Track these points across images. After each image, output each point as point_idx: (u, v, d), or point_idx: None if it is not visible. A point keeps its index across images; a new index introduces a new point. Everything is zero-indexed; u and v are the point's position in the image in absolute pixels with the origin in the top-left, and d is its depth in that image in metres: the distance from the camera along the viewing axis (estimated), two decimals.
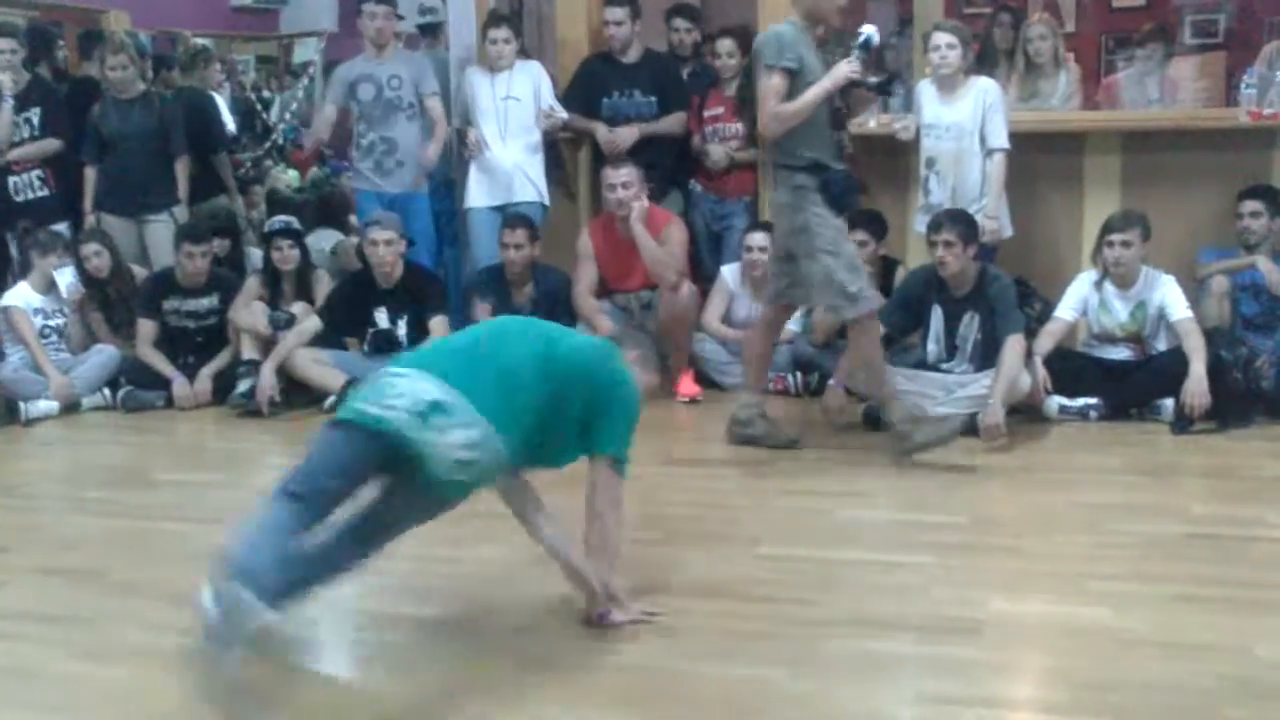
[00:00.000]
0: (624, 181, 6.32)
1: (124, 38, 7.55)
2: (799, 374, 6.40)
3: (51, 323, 6.77)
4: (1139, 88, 7.06)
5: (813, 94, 4.95)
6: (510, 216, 6.59)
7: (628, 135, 6.81)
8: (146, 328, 6.69)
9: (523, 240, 6.44)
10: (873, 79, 5.13)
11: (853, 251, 5.14)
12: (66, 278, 6.74)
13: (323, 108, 7.27)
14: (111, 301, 6.86)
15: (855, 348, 5.31)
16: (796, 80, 4.97)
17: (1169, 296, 5.67)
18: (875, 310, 5.17)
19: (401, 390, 3.00)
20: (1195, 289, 5.95)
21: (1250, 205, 6.01)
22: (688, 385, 6.38)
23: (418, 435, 2.93)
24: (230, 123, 8.70)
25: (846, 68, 4.98)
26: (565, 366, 3.31)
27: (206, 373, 6.59)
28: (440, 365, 3.11)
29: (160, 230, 7.10)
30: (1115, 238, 5.71)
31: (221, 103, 8.59)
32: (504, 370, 3.16)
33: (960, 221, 5.64)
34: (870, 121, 6.63)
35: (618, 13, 6.86)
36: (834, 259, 4.99)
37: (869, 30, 5.05)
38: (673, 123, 6.91)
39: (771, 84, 4.99)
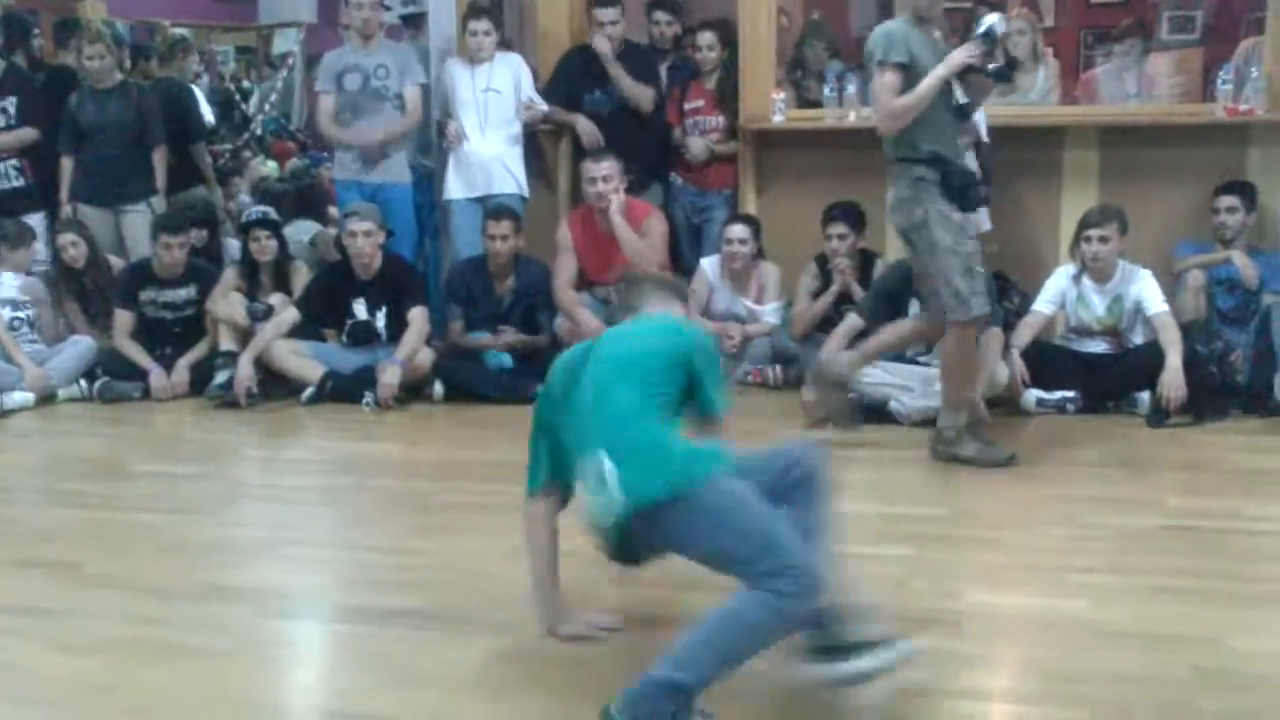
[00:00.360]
0: (605, 174, 6.31)
1: (101, 27, 7.53)
2: (778, 367, 6.40)
3: (21, 314, 6.72)
4: (1117, 83, 7.08)
5: (926, 84, 4.78)
6: (496, 208, 6.57)
7: (595, 135, 6.82)
8: (123, 318, 6.66)
9: (508, 232, 6.42)
10: (991, 65, 4.89)
11: (971, 251, 4.90)
12: (12, 280, 6.70)
13: (317, 99, 7.21)
14: (88, 292, 6.83)
15: (945, 348, 5.10)
16: (909, 75, 4.81)
17: (1146, 290, 5.70)
18: (979, 318, 4.96)
19: None
20: (1172, 283, 5.98)
21: (1226, 200, 6.05)
22: None
23: None
24: (208, 114, 8.66)
25: (962, 54, 4.81)
26: None
27: (184, 364, 6.56)
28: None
29: (137, 221, 7.06)
30: (1093, 233, 5.74)
31: (199, 94, 8.55)
32: None
33: None
34: (851, 115, 6.66)
35: (611, 13, 6.85)
36: (954, 258, 4.84)
37: (992, 19, 4.86)
38: (638, 91, 6.88)
39: (884, 81, 4.82)
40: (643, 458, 2.87)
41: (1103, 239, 5.73)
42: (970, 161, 5.08)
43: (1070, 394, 5.74)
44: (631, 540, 2.96)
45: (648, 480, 2.83)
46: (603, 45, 6.76)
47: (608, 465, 2.86)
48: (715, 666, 2.66)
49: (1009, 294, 6.15)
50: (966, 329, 4.91)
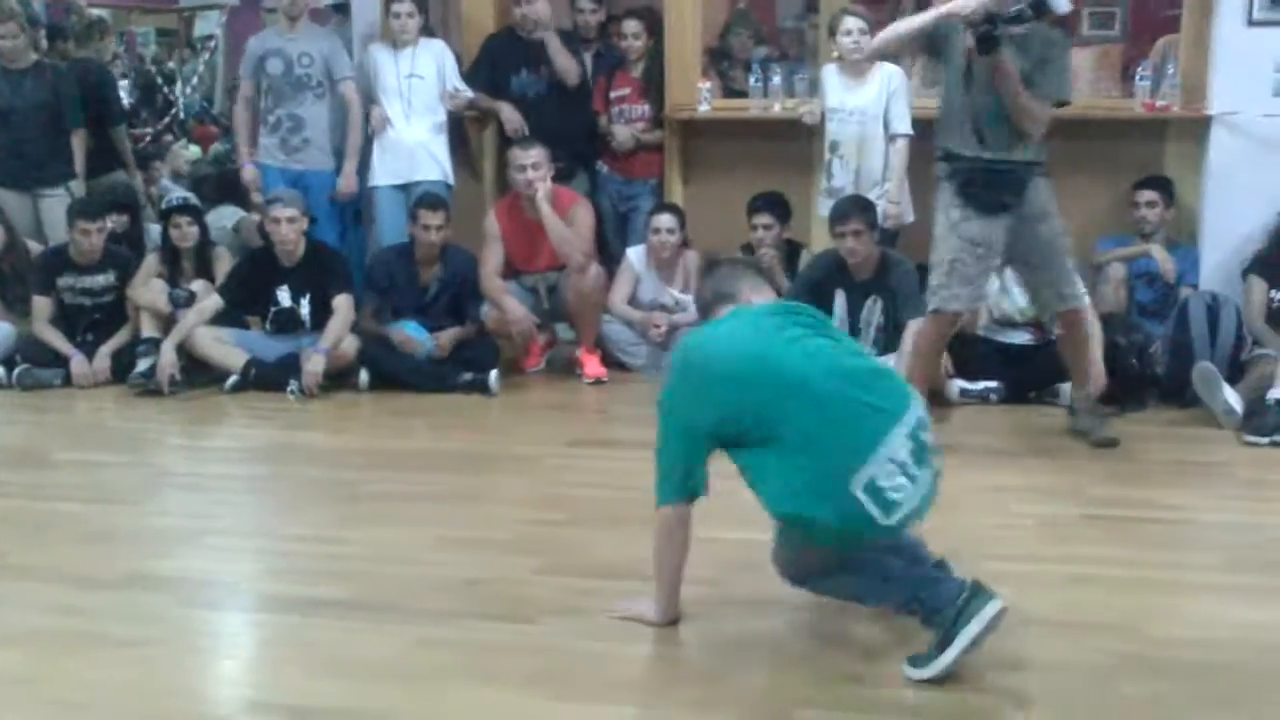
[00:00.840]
0: (533, 162, 6.29)
1: (13, 5, 7.31)
2: None
3: None
4: None
5: (907, 22, 4.89)
6: (429, 197, 6.49)
7: (519, 122, 6.82)
8: (41, 305, 6.53)
9: (441, 221, 6.37)
10: (1013, 8, 4.56)
11: (953, 250, 4.95)
12: None
13: (240, 85, 7.13)
14: (5, 277, 6.69)
15: (919, 330, 5.34)
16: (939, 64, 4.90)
17: None
18: (943, 314, 5.05)
19: None
20: (1093, 276, 6.07)
21: (1146, 195, 6.15)
22: (594, 366, 6.38)
23: None
24: (126, 96, 8.52)
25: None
26: None
27: (105, 350, 6.44)
28: None
29: (56, 205, 6.91)
30: None
31: (116, 76, 8.41)
32: None
33: (866, 209, 5.71)
34: (776, 106, 6.69)
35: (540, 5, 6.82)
36: (937, 250, 4.99)
37: None
38: (567, 63, 6.84)
39: None
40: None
41: None
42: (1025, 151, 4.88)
43: (993, 384, 5.81)
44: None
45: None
46: (541, 9, 6.68)
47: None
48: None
49: None
50: (935, 318, 5.06)
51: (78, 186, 7.02)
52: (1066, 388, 5.63)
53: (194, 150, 10.06)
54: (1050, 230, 4.95)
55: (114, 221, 6.93)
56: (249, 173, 6.99)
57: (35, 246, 6.85)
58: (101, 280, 6.58)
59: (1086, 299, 5.16)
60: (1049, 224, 4.95)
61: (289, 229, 6.26)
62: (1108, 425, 5.18)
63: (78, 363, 6.37)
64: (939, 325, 5.10)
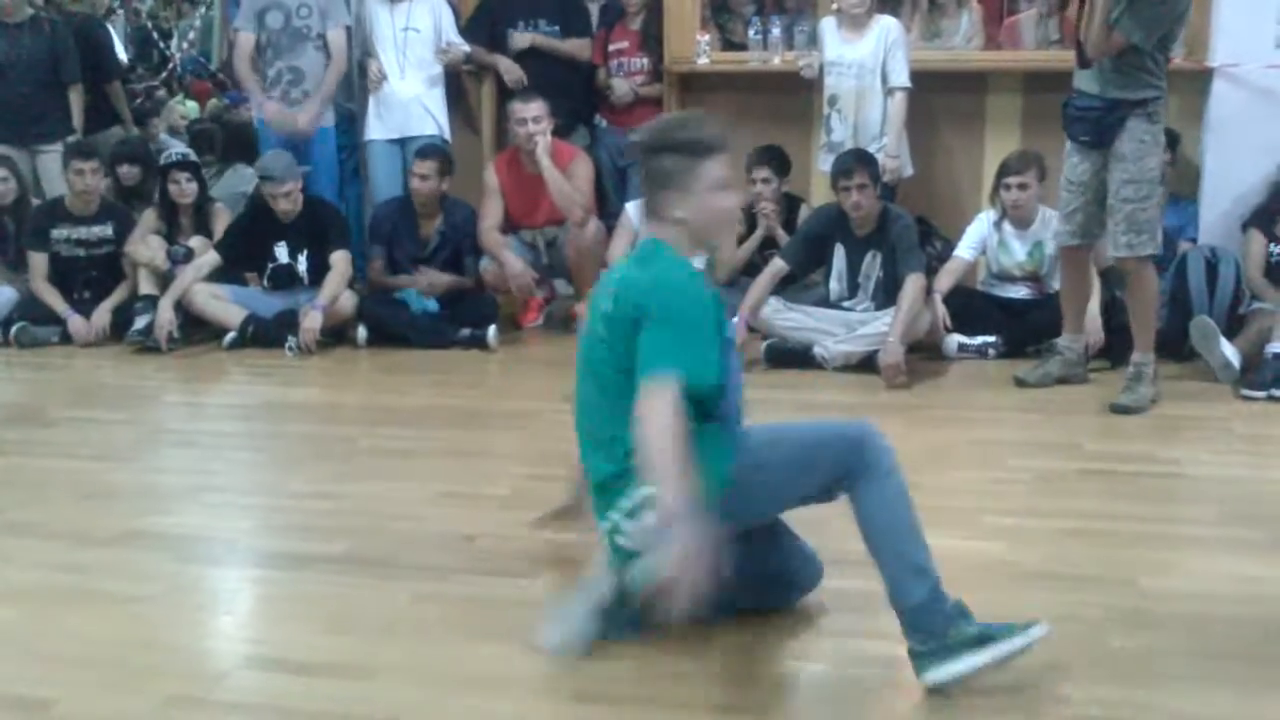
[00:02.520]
0: (534, 116, 6.27)
1: None
2: None
3: None
4: (1040, 28, 7.13)
5: None
6: (425, 147, 6.48)
7: (520, 41, 6.79)
8: (38, 261, 6.52)
9: (430, 172, 6.34)
10: None
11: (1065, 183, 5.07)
12: None
13: (236, 38, 7.06)
14: (7, 234, 6.67)
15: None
16: None
17: None
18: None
19: None
20: None
21: None
22: None
23: None
24: (122, 51, 8.47)
25: None
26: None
27: (105, 307, 6.44)
28: None
29: (53, 161, 6.91)
30: (1012, 180, 5.80)
31: (113, 31, 8.36)
32: None
33: (869, 163, 5.69)
34: (775, 58, 6.65)
35: None
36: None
37: None
38: (573, 46, 6.84)
39: None
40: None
41: (1022, 186, 5.79)
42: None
43: (991, 339, 5.82)
44: None
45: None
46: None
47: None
48: (918, 557, 2.78)
49: (930, 239, 6.22)
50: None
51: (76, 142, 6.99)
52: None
53: (191, 107, 10.00)
54: (1122, 173, 4.87)
55: (125, 175, 6.91)
56: (272, 109, 6.78)
57: (35, 204, 6.84)
58: (98, 231, 6.56)
59: (1141, 253, 4.94)
60: (1122, 167, 4.87)
61: (286, 202, 6.26)
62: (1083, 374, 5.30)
63: (75, 322, 6.37)
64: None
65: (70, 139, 6.98)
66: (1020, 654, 2.71)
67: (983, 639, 2.70)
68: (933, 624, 2.71)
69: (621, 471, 2.83)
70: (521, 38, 6.81)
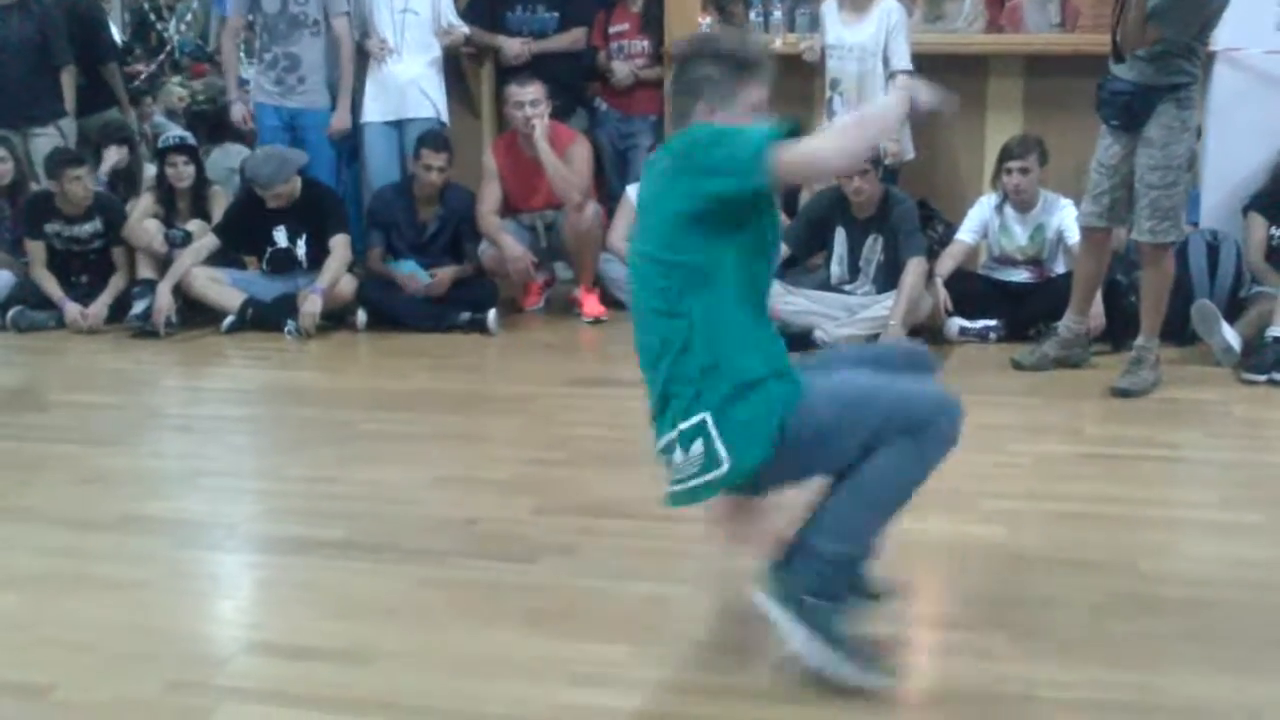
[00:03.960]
0: (531, 99, 6.25)
1: None
2: None
3: None
4: (1041, 12, 7.09)
5: None
6: (432, 137, 6.43)
7: (518, 48, 6.75)
8: (36, 249, 6.50)
9: (444, 163, 6.32)
10: None
11: (1100, 163, 5.02)
12: None
13: (229, 20, 7.05)
14: (3, 216, 6.65)
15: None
16: None
17: (1067, 220, 5.75)
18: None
19: None
20: None
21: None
22: (593, 305, 6.37)
23: None
24: (117, 33, 8.43)
25: None
26: None
27: (102, 300, 6.41)
28: None
29: (46, 143, 6.88)
30: (1014, 164, 5.79)
31: (110, 12, 8.33)
32: None
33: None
34: (776, 41, 6.63)
35: None
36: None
37: None
38: (568, 40, 6.82)
39: None
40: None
41: (1023, 170, 5.78)
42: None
43: (992, 323, 5.81)
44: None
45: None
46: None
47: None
48: (876, 528, 2.61)
49: (932, 223, 6.21)
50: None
51: (68, 124, 6.99)
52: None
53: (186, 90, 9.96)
54: (1149, 159, 4.84)
55: (114, 155, 6.88)
56: (238, 111, 6.92)
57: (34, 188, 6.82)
58: (88, 229, 6.52)
59: (1163, 240, 4.91)
60: (1149, 152, 4.84)
61: (277, 201, 6.25)
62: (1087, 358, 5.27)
63: (71, 310, 6.35)
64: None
65: (63, 121, 6.95)
66: (845, 681, 2.58)
67: (836, 640, 2.58)
68: (823, 585, 2.57)
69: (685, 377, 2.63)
70: (513, 44, 6.77)
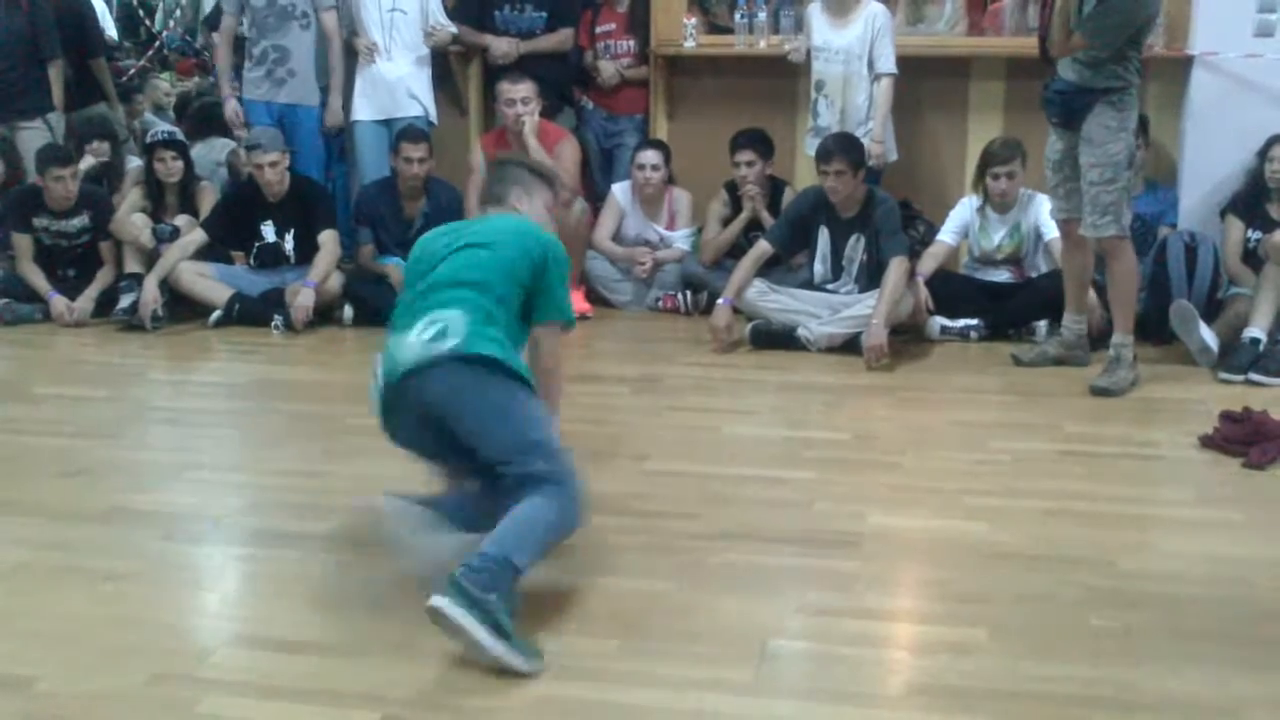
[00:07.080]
0: (522, 96, 6.27)
1: None
2: (689, 292, 6.45)
3: None
4: (1022, 15, 7.14)
5: None
6: (410, 130, 6.47)
7: (506, 47, 6.77)
8: (23, 242, 6.48)
9: (424, 154, 6.35)
10: None
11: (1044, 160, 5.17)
12: None
13: (222, 19, 7.05)
14: None
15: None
16: None
17: (1043, 215, 5.78)
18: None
19: None
20: None
21: None
22: (578, 302, 6.37)
23: None
24: (110, 28, 8.42)
25: None
26: None
27: (88, 295, 6.40)
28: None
29: (34, 137, 6.86)
30: (1000, 170, 5.84)
31: (99, 6, 8.31)
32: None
33: (850, 149, 5.69)
34: (761, 43, 6.67)
35: None
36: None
37: None
38: (556, 40, 6.84)
39: None
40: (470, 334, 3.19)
41: (1010, 175, 5.84)
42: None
43: (973, 322, 5.85)
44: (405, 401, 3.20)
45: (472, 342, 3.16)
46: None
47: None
48: (535, 553, 2.91)
49: (914, 223, 6.25)
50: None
51: (56, 119, 6.97)
52: (1044, 325, 5.69)
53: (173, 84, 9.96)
54: (1088, 156, 4.92)
55: (94, 150, 6.87)
56: (231, 108, 6.93)
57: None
58: (75, 223, 6.51)
59: (1103, 234, 4.98)
60: (1089, 150, 4.92)
61: (273, 173, 6.25)
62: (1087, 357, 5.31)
63: (57, 304, 6.35)
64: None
65: (50, 115, 6.94)
66: (503, 664, 2.72)
67: (501, 631, 2.72)
68: (497, 583, 2.75)
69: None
70: (501, 44, 6.79)
